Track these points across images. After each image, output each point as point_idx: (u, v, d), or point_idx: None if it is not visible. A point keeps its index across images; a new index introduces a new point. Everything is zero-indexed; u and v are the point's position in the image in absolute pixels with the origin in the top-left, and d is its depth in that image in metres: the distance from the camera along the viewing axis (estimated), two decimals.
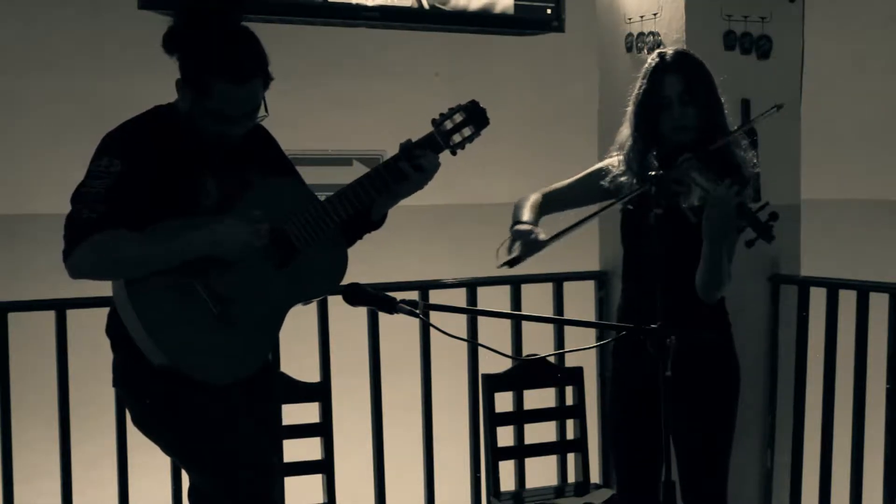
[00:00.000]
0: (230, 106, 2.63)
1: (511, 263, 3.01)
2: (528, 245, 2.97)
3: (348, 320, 3.79)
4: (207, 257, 2.61)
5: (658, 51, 3.07)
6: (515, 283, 4.32)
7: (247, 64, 2.62)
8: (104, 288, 3.13)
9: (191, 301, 2.61)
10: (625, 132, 3.07)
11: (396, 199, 2.87)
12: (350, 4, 4.14)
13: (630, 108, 3.05)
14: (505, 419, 4.05)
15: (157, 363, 2.60)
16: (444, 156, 2.85)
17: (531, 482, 4.25)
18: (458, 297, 4.20)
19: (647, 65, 3.03)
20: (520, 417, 4.15)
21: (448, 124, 2.86)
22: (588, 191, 3.16)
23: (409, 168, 2.78)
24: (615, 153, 3.11)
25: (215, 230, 2.60)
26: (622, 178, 3.03)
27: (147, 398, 2.70)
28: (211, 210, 2.67)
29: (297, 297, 2.80)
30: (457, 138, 2.86)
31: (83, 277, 2.62)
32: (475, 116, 2.87)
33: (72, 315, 3.74)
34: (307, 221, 2.74)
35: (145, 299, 2.57)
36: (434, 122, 2.86)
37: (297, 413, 3.54)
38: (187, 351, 2.60)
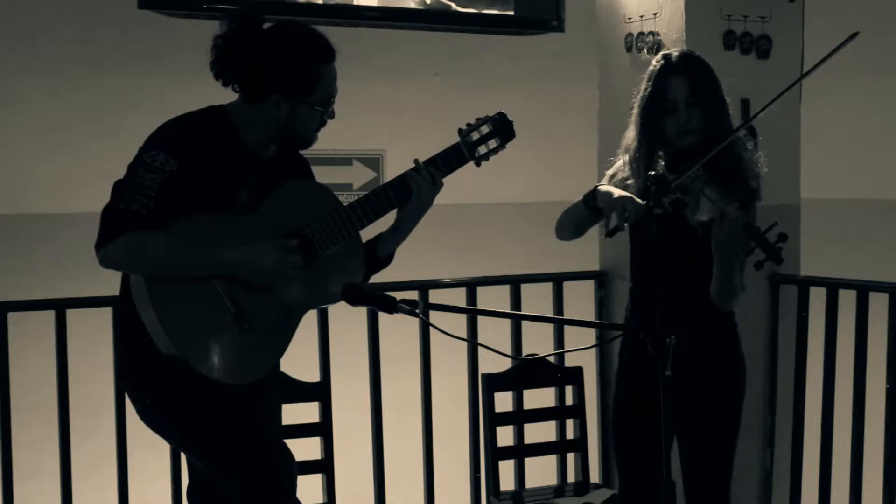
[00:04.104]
0: (332, 86, 2.71)
1: (613, 233, 2.91)
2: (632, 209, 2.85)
3: (348, 320, 3.79)
4: None
5: (663, 52, 3.02)
6: (515, 283, 4.32)
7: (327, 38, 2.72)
8: (104, 288, 3.15)
9: (209, 300, 2.61)
10: (630, 135, 3.04)
11: (399, 232, 2.86)
12: (351, 4, 4.14)
13: (635, 111, 3.01)
14: (505, 419, 4.05)
15: (169, 354, 2.59)
16: None
17: (531, 482, 4.25)
18: (458, 297, 4.20)
19: (652, 67, 2.99)
20: (520, 417, 4.15)
21: (474, 135, 2.86)
22: None
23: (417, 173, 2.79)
24: (621, 156, 3.09)
25: (252, 256, 2.62)
26: (629, 182, 3.01)
27: (154, 393, 2.69)
28: (239, 212, 2.68)
29: (313, 302, 2.82)
30: (482, 150, 2.87)
31: (113, 269, 2.62)
32: (502, 129, 2.87)
33: (72, 315, 3.74)
34: (330, 226, 2.74)
35: (164, 293, 2.57)
36: (460, 131, 2.86)
37: (297, 413, 3.54)
38: (201, 349, 2.60)
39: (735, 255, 2.78)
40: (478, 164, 2.88)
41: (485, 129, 2.86)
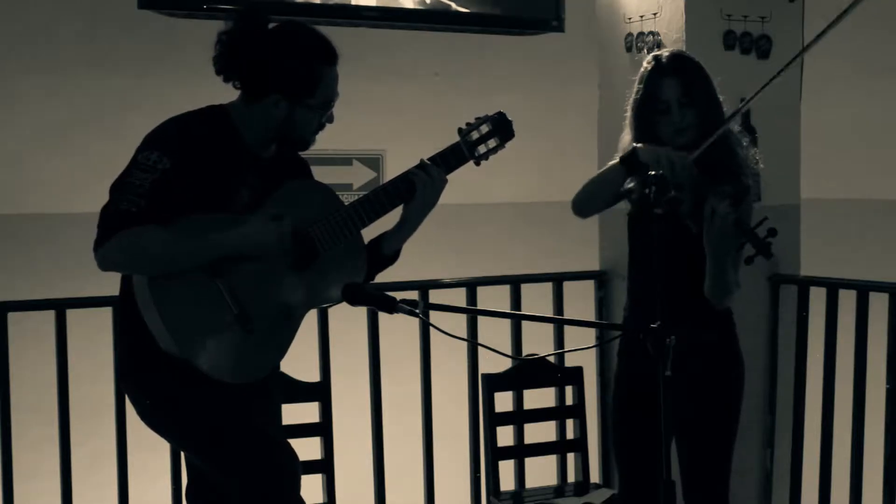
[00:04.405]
0: (332, 90, 2.70)
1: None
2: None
3: (348, 320, 3.79)
4: (232, 258, 2.62)
5: (653, 54, 3.02)
6: (515, 283, 4.32)
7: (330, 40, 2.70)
8: (104, 288, 3.14)
9: (211, 300, 2.61)
10: (626, 138, 3.04)
11: (405, 229, 2.85)
12: (350, 4, 4.14)
13: (629, 113, 3.01)
14: (505, 419, 4.05)
15: (170, 353, 2.59)
16: None
17: (531, 482, 4.24)
18: (458, 297, 4.20)
19: (643, 68, 2.99)
20: (520, 417, 4.15)
21: (474, 134, 2.87)
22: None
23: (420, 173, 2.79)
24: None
25: (245, 231, 2.62)
26: (629, 185, 3.00)
27: (154, 393, 2.69)
28: (239, 212, 2.68)
29: (314, 302, 2.81)
30: (482, 149, 2.87)
31: (112, 270, 2.62)
32: (501, 128, 2.88)
33: (72, 315, 3.74)
34: (332, 226, 2.74)
35: (166, 293, 2.57)
36: (460, 131, 2.87)
37: (297, 413, 3.54)
38: (203, 348, 2.60)
39: (727, 251, 2.79)
40: (477, 164, 2.88)
41: (484, 128, 2.87)
